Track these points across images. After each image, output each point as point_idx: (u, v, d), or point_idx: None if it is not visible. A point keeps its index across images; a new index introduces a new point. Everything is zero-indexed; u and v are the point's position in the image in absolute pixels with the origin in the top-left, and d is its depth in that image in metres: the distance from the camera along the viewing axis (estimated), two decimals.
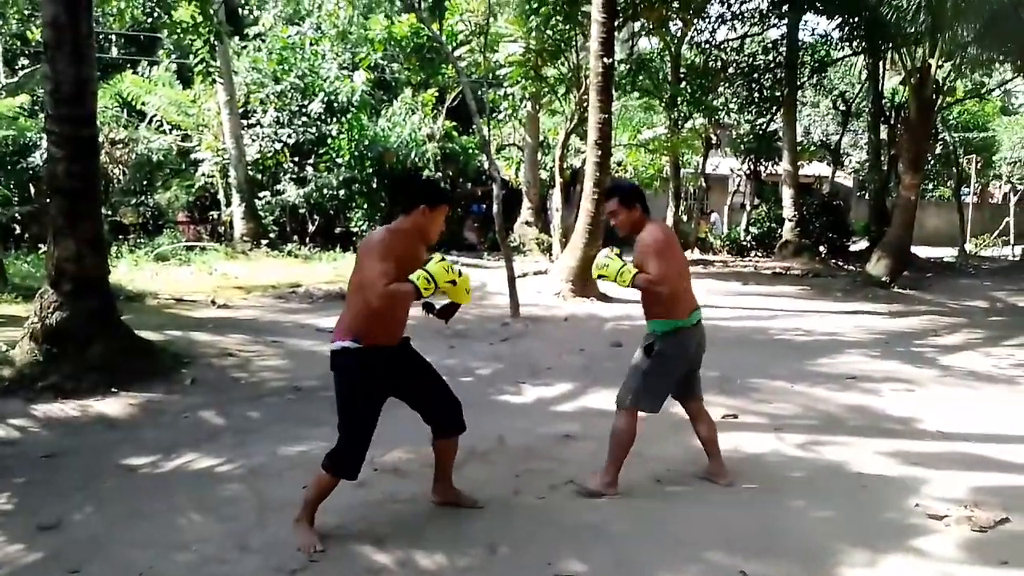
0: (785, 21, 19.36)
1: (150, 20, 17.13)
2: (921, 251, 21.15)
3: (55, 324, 6.08)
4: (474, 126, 13.58)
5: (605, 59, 11.29)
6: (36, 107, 17.59)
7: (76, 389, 5.83)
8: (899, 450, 4.95)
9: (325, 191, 17.70)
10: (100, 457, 4.71)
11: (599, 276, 4.10)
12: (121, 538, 3.58)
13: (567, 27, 14.28)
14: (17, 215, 17.48)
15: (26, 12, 12.20)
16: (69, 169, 6.19)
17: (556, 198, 17.18)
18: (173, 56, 19.99)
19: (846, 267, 18.33)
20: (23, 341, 6.15)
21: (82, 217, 6.29)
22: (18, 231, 17.66)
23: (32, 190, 18.44)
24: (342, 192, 17.72)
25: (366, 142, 17.79)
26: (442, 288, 3.37)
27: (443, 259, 3.39)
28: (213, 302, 10.57)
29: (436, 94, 19.60)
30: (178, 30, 10.67)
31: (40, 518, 3.76)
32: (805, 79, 21.34)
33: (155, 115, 18.77)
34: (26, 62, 17.31)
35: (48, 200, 6.87)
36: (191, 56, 12.05)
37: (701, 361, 4.28)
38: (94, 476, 4.39)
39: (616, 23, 12.24)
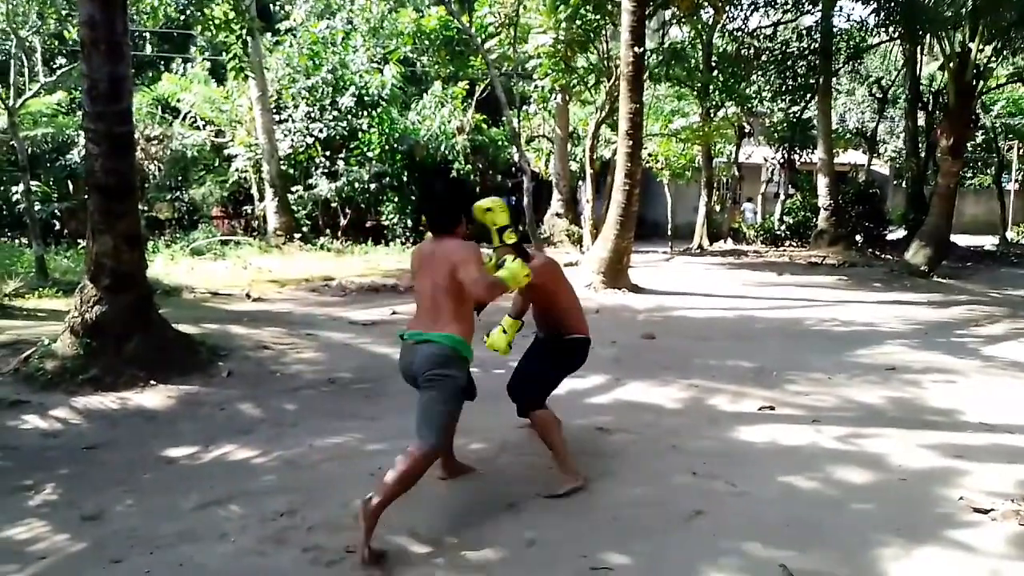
0: (819, 7, 19.04)
1: (183, 17, 17.39)
2: (960, 240, 20.74)
3: (95, 318, 6.17)
4: (504, 118, 13.52)
5: (636, 48, 11.18)
6: (73, 105, 17.91)
7: (115, 382, 5.93)
8: (941, 442, 4.83)
9: (356, 185, 17.82)
10: (139, 449, 4.78)
11: None
12: (161, 529, 3.62)
13: (597, 17, 14.17)
14: (56, 211, 17.87)
15: (63, 12, 12.37)
16: (106, 165, 6.26)
17: (587, 189, 17.10)
18: (206, 53, 20.23)
19: (883, 256, 18.04)
20: (64, 335, 6.26)
21: (119, 213, 6.36)
22: (57, 227, 18.06)
23: (70, 186, 18.84)
24: (373, 186, 17.82)
25: (396, 135, 17.88)
26: None
27: None
28: (248, 295, 10.71)
29: (466, 87, 19.61)
30: (211, 26, 10.78)
31: (83, 509, 3.83)
32: (840, 66, 20.98)
33: (189, 111, 19.02)
34: (63, 61, 17.63)
35: (86, 196, 6.96)
36: (224, 53, 12.20)
37: (415, 384, 3.65)
38: (134, 468, 4.45)
39: (647, 12, 12.10)
